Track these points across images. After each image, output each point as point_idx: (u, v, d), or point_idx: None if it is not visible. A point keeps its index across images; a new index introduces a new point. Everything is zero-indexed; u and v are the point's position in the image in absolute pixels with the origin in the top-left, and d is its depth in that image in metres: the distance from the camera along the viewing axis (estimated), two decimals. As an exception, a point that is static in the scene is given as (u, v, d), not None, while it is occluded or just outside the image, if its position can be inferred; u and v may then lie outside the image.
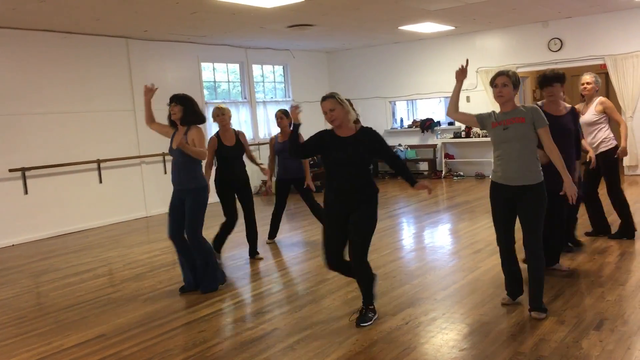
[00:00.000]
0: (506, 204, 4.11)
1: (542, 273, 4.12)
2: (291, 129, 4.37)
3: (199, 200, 5.09)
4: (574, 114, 5.01)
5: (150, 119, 5.36)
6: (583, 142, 5.53)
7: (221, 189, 6.14)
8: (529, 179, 4.00)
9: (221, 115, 6.09)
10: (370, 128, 4.21)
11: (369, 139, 4.13)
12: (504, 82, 4.02)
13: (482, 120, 4.20)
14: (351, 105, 4.07)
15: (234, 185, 6.16)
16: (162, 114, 5.31)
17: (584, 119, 5.82)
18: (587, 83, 5.88)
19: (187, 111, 5.06)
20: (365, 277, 4.18)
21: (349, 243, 4.15)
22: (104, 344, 4.15)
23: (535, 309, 4.11)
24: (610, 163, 5.89)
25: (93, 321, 4.69)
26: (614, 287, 4.66)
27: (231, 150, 6.10)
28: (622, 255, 5.55)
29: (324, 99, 4.10)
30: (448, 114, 4.36)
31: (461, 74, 4.26)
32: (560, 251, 5.13)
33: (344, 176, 4.08)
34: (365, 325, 4.12)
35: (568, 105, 5.03)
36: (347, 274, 4.33)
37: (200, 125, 5.13)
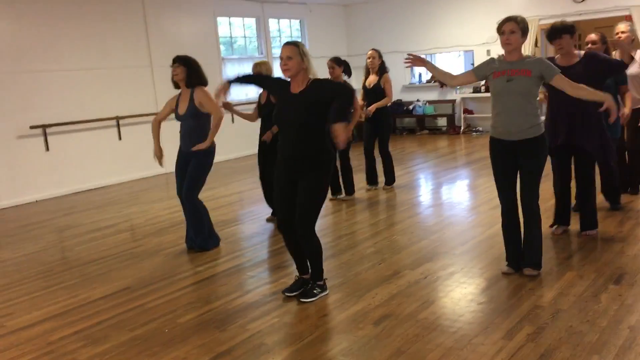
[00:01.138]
0: (507, 159, 3.99)
1: (539, 231, 4.04)
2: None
3: (205, 163, 5.09)
4: (589, 59, 4.58)
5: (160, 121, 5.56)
6: (626, 95, 5.31)
7: (259, 146, 6.02)
8: (529, 133, 3.88)
9: (257, 72, 5.81)
10: (323, 79, 3.83)
11: (318, 93, 3.68)
12: (512, 29, 3.83)
13: (481, 72, 4.04)
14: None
15: (268, 145, 5.85)
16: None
17: (631, 71, 5.47)
18: (622, 32, 5.63)
19: (190, 73, 5.02)
20: (311, 251, 3.90)
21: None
22: (129, 297, 4.26)
23: (529, 265, 4.06)
24: None
25: (117, 275, 4.80)
26: (634, 242, 4.65)
27: (264, 107, 5.83)
28: (643, 210, 5.51)
29: (286, 44, 3.74)
30: (448, 86, 4.26)
31: (417, 62, 4.08)
32: (595, 215, 4.87)
33: (289, 139, 3.75)
34: (307, 301, 3.87)
35: (582, 52, 4.68)
36: (295, 243, 3.93)
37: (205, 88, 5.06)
